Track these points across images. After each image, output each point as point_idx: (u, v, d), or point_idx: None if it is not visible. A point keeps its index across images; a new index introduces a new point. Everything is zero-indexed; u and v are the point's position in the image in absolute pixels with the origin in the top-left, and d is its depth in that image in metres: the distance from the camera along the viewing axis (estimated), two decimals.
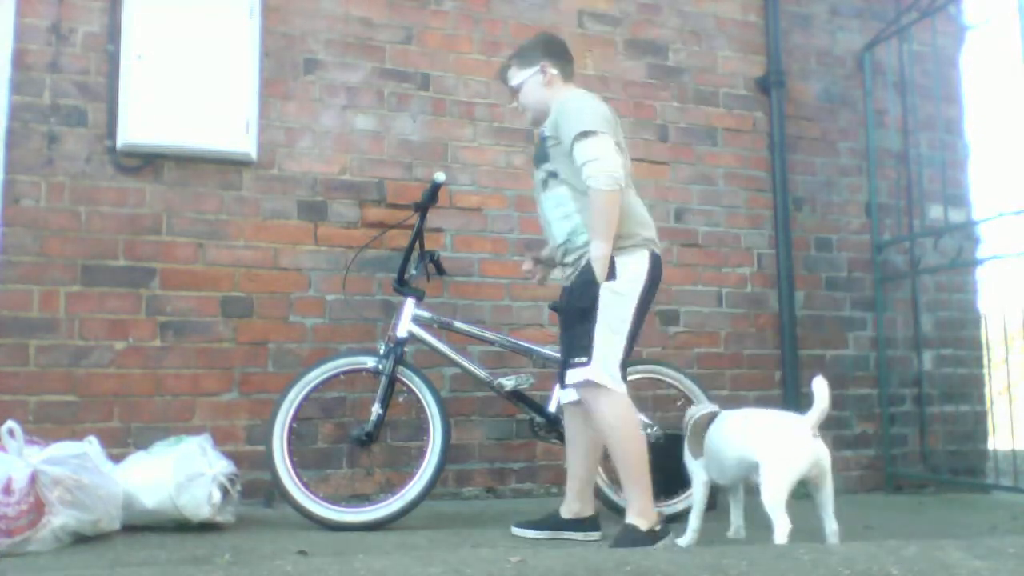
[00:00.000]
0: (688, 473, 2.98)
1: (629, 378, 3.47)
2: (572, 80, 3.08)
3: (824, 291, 4.59)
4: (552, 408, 3.25)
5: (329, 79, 3.88)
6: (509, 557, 2.04)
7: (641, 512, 2.70)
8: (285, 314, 3.70)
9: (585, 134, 2.73)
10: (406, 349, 3.27)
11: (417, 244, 3.37)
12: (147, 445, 3.12)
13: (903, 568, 1.89)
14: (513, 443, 3.94)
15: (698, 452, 2.91)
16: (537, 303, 4.00)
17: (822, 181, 4.66)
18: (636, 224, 2.83)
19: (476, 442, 3.89)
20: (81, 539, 2.62)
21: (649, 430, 3.41)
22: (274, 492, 3.36)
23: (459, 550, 2.46)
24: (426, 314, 3.32)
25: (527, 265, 3.25)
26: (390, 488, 3.46)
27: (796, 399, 4.18)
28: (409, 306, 3.27)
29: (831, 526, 2.66)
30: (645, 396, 3.86)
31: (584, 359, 2.72)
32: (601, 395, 2.74)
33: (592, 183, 2.71)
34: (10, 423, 2.63)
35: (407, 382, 3.24)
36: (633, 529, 2.67)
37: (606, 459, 2.98)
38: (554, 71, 3.01)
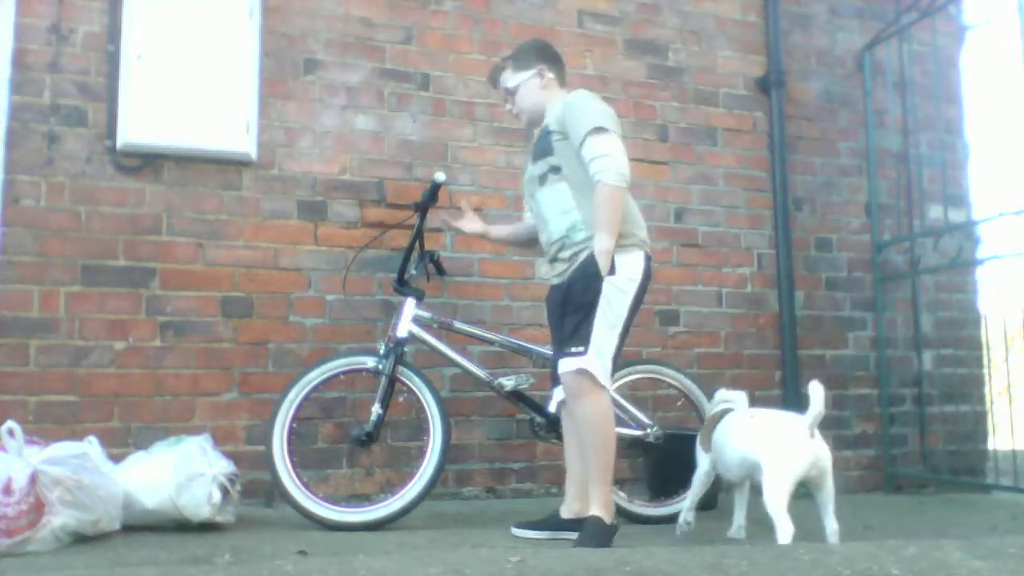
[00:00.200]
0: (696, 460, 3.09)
1: (629, 378, 3.51)
2: (566, 85, 3.12)
3: (824, 291, 4.59)
4: (552, 408, 3.25)
5: (329, 79, 3.88)
6: (509, 557, 2.04)
7: (605, 505, 2.78)
8: (285, 314, 3.70)
9: (598, 130, 2.78)
10: (406, 349, 3.28)
11: (417, 244, 3.37)
12: (147, 445, 3.12)
13: (903, 568, 1.88)
14: (513, 443, 3.94)
15: (708, 447, 2.99)
16: (537, 303, 3.99)
17: (822, 181, 4.66)
18: (633, 225, 2.89)
19: (476, 442, 3.89)
20: (81, 539, 2.62)
21: (649, 430, 3.42)
22: (274, 492, 3.36)
23: (459, 550, 2.46)
24: (426, 314, 3.32)
25: (474, 223, 3.30)
26: (390, 488, 3.46)
27: (796, 399, 4.17)
28: (409, 306, 3.27)
29: (831, 526, 2.67)
30: (645, 396, 3.86)
31: (581, 348, 2.74)
32: (589, 388, 2.77)
33: (602, 177, 2.74)
34: (10, 423, 2.63)
35: (407, 382, 3.24)
36: (600, 521, 2.75)
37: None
38: (551, 75, 3.07)
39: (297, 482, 3.08)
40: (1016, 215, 3.88)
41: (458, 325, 3.42)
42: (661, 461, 3.60)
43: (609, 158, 2.75)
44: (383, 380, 3.18)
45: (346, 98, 3.90)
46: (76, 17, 3.56)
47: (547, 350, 3.29)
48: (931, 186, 4.68)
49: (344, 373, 3.27)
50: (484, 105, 4.09)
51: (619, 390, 3.40)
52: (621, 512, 3.34)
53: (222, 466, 2.97)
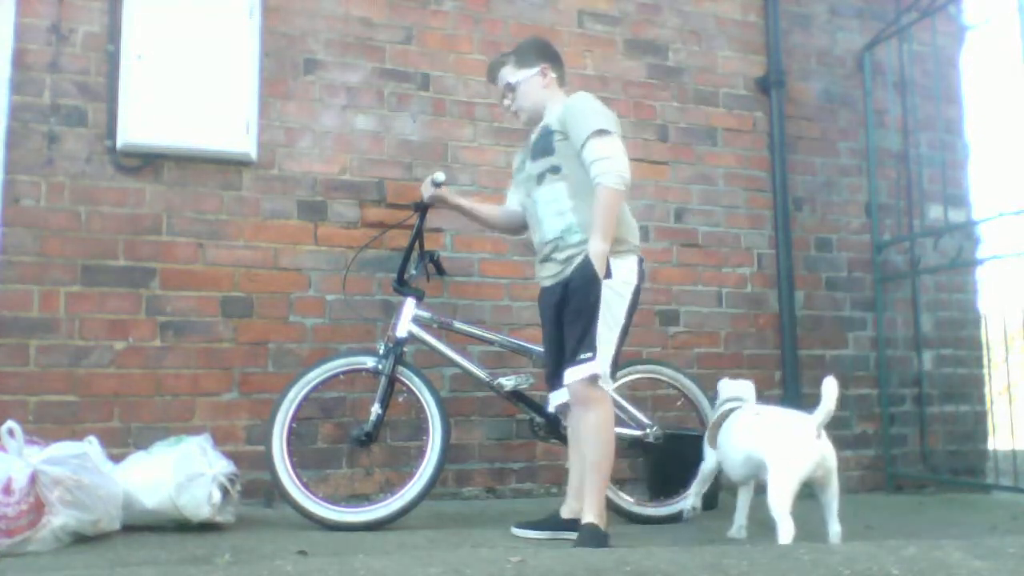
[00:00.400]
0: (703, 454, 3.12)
1: (629, 378, 3.51)
2: (565, 85, 3.13)
3: (824, 291, 4.59)
4: (552, 408, 3.25)
5: (329, 79, 3.88)
6: (509, 557, 2.04)
7: (599, 513, 2.78)
8: (285, 314, 3.70)
9: (600, 133, 2.78)
10: (406, 349, 3.27)
11: (417, 244, 3.36)
12: (147, 445, 3.12)
13: (903, 568, 1.89)
14: (513, 443, 3.94)
15: (715, 443, 3.03)
16: (537, 303, 3.99)
17: (822, 181, 4.66)
18: (627, 231, 2.91)
19: (476, 442, 3.89)
20: (81, 539, 2.62)
21: (649, 430, 3.42)
22: (274, 492, 3.36)
23: (459, 550, 2.46)
24: (426, 314, 3.32)
25: (433, 188, 3.24)
26: (390, 488, 3.46)
27: (796, 399, 4.18)
28: (409, 306, 3.27)
29: (834, 528, 2.66)
30: (645, 396, 3.86)
31: (589, 354, 2.74)
32: (596, 396, 2.78)
33: (603, 180, 2.75)
34: (10, 423, 2.63)
35: (407, 382, 3.24)
36: (595, 527, 2.75)
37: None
38: (553, 75, 3.08)
39: (297, 482, 3.08)
40: (1016, 215, 3.88)
41: (458, 325, 3.42)
42: (661, 461, 3.60)
43: (611, 160, 2.76)
44: (383, 380, 3.18)
45: (346, 98, 3.90)
46: (76, 17, 3.56)
47: None
48: (931, 186, 4.68)
49: (344, 373, 3.27)
50: (484, 105, 4.09)
51: (619, 390, 3.40)
52: (621, 512, 3.35)
53: (222, 466, 2.97)
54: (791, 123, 4.57)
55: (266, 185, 3.74)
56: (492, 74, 3.17)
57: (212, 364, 3.57)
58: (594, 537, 2.70)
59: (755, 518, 2.97)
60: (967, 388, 4.71)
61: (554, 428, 3.27)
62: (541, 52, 3.09)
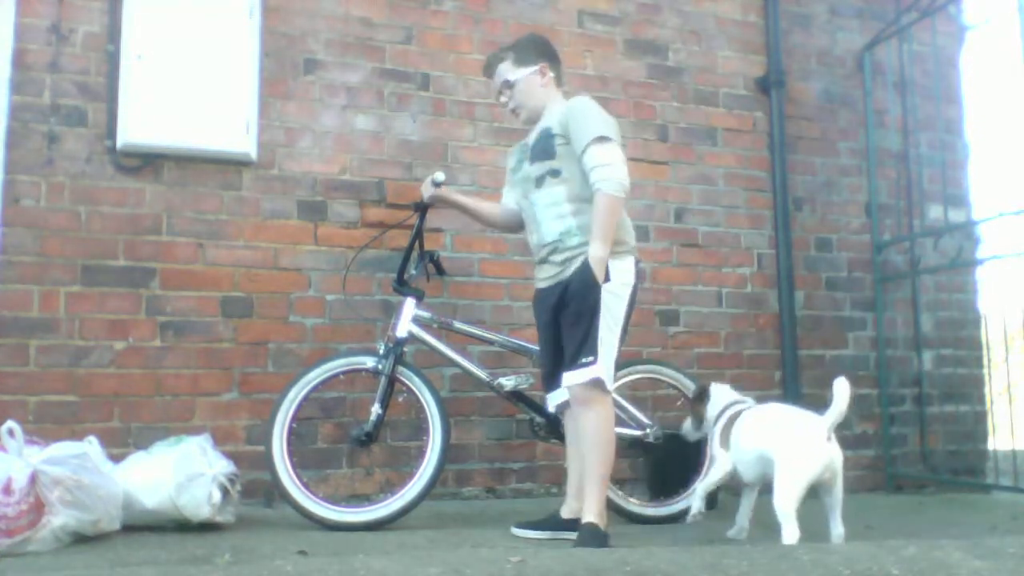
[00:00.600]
0: (713, 457, 3.02)
1: (629, 378, 3.51)
2: (563, 85, 3.14)
3: (824, 291, 4.58)
4: (551, 408, 3.25)
5: (329, 79, 3.88)
6: (509, 557, 2.04)
7: (600, 513, 2.78)
8: (285, 314, 3.70)
9: (601, 139, 2.79)
10: (406, 349, 3.27)
11: (417, 244, 3.36)
12: (147, 445, 3.12)
13: (903, 568, 1.88)
14: (513, 443, 3.94)
15: (727, 444, 2.96)
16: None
17: (822, 181, 4.66)
18: (625, 233, 2.92)
19: (476, 442, 3.89)
20: (81, 539, 2.62)
21: (649, 430, 3.42)
22: (274, 492, 3.36)
23: (459, 550, 2.46)
24: (426, 314, 3.32)
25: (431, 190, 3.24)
26: (390, 488, 3.46)
27: (796, 399, 4.17)
28: (409, 306, 3.27)
29: (837, 530, 2.65)
30: (645, 396, 3.86)
31: (592, 358, 2.74)
32: (598, 397, 2.78)
33: (602, 186, 2.76)
34: (10, 423, 2.63)
35: (407, 382, 3.24)
36: (595, 527, 2.75)
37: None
38: (551, 74, 3.07)
39: (297, 482, 3.08)
40: (1016, 215, 3.87)
41: (458, 325, 3.42)
42: (661, 461, 3.60)
43: (611, 167, 2.77)
44: (383, 380, 3.18)
45: (346, 98, 3.90)
46: (76, 17, 3.56)
47: None
48: (931, 186, 4.68)
49: (344, 373, 3.27)
50: (484, 105, 4.08)
51: (619, 390, 3.39)
52: (621, 512, 3.35)
53: (222, 466, 2.97)
54: (791, 123, 4.57)
55: (266, 185, 3.74)
56: (489, 70, 3.15)
57: (212, 364, 3.57)
58: (594, 537, 2.70)
59: (758, 518, 2.97)
60: (967, 388, 4.70)
61: (554, 428, 3.27)
62: (540, 50, 3.08)
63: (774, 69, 4.55)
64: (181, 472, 2.87)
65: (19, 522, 2.47)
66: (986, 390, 4.65)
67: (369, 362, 3.22)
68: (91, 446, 2.86)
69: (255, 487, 3.46)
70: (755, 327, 4.42)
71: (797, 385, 4.30)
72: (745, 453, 2.83)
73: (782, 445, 2.63)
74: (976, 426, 4.68)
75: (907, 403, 4.62)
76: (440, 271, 3.42)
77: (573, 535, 2.79)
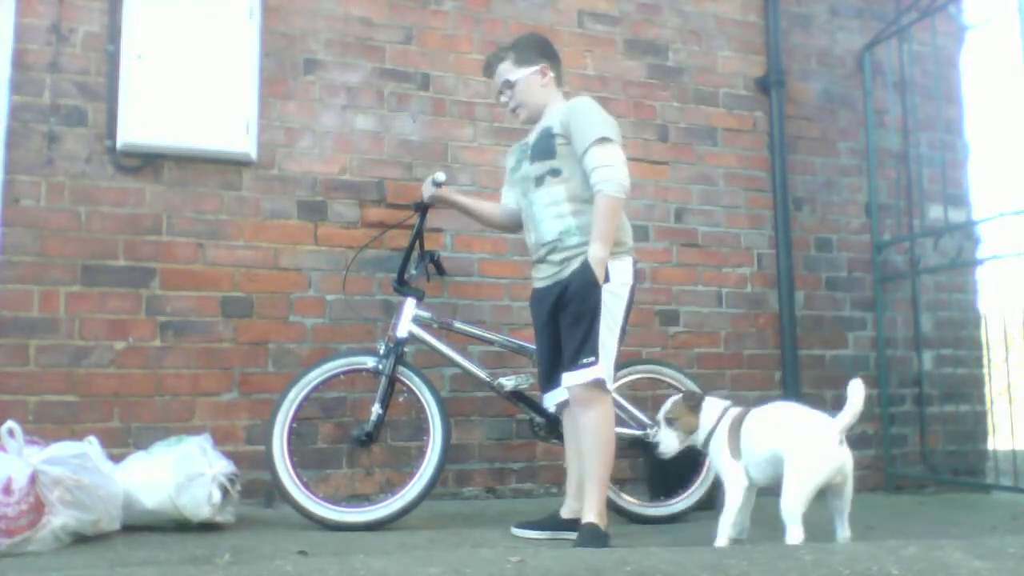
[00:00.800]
0: (723, 475, 2.77)
1: (629, 378, 3.51)
2: (563, 85, 3.15)
3: (824, 291, 4.59)
4: (551, 409, 3.25)
5: (329, 79, 3.88)
6: (509, 557, 2.04)
7: (600, 513, 2.78)
8: (285, 314, 3.70)
9: (602, 140, 2.80)
10: (406, 349, 3.27)
11: (417, 244, 3.36)
12: (147, 445, 3.12)
13: (903, 568, 1.88)
14: (513, 443, 3.94)
15: (738, 453, 2.74)
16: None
17: (822, 181, 4.66)
18: (624, 233, 2.93)
19: (476, 442, 3.89)
20: (81, 539, 2.62)
21: (649, 430, 3.41)
22: (274, 492, 3.36)
23: (459, 550, 2.46)
24: (426, 314, 3.32)
25: (433, 190, 3.22)
26: (390, 488, 3.46)
27: (796, 400, 4.17)
28: (409, 306, 3.27)
29: (843, 533, 2.63)
30: (645, 396, 3.85)
31: (593, 358, 2.75)
32: (598, 397, 2.79)
33: (603, 188, 2.77)
34: (10, 423, 2.63)
35: (407, 382, 3.24)
36: (595, 527, 2.75)
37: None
38: (552, 74, 3.07)
39: (297, 482, 3.08)
40: (1016, 215, 3.87)
41: (458, 325, 3.42)
42: (661, 461, 3.59)
43: (612, 169, 2.78)
44: (383, 380, 3.18)
45: (346, 98, 3.90)
46: (76, 17, 3.56)
47: None
48: (931, 186, 4.68)
49: (344, 373, 3.27)
50: (484, 105, 4.09)
51: (619, 390, 3.40)
52: (621, 512, 3.35)
53: (222, 466, 2.97)
54: (791, 123, 4.57)
55: (266, 185, 3.74)
56: (490, 70, 3.15)
57: (212, 364, 3.57)
58: (594, 537, 2.70)
59: (756, 519, 2.97)
60: (967, 388, 4.71)
61: (554, 428, 3.27)
62: (541, 50, 3.09)
63: (774, 69, 4.55)
64: (181, 472, 2.87)
65: (19, 522, 2.47)
66: (986, 390, 4.65)
67: (369, 362, 3.22)
68: (91, 446, 2.86)
69: (255, 487, 3.46)
70: (755, 327, 4.42)
71: (797, 385, 4.30)
72: (757, 455, 2.69)
73: (795, 446, 2.56)
74: (976, 426, 4.68)
75: (907, 403, 4.62)
76: (440, 271, 3.42)
77: (573, 535, 2.79)
